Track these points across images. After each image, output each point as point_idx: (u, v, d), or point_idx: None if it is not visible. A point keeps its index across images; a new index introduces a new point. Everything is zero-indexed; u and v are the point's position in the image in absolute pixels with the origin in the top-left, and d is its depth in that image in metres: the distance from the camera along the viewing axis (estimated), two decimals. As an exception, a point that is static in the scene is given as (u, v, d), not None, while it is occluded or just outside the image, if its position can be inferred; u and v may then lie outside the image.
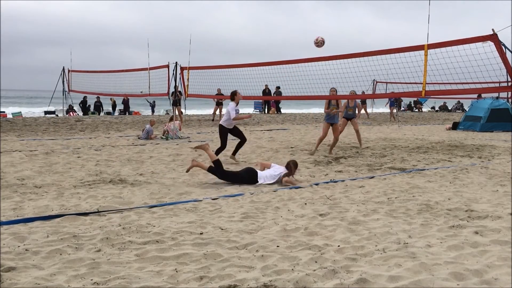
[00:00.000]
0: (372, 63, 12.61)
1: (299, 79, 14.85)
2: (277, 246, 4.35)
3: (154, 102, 34.72)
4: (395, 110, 26.83)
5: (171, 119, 15.43)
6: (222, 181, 7.62)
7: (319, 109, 43.53)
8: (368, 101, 30.70)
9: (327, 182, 7.56)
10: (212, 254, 4.14)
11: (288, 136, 15.75)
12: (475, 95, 23.93)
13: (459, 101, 36.12)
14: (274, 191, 6.88)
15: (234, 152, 9.96)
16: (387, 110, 29.51)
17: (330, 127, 11.43)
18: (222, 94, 21.14)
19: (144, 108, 39.03)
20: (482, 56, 10.36)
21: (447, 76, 11.53)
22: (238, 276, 3.65)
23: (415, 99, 35.47)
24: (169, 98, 20.63)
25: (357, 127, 12.95)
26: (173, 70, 18.86)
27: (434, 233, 4.74)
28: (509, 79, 11.61)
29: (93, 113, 28.84)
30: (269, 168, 7.72)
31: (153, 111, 35.40)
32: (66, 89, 27.68)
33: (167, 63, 20.19)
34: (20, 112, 29.80)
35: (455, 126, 19.31)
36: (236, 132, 10.04)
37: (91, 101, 30.12)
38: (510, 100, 22.36)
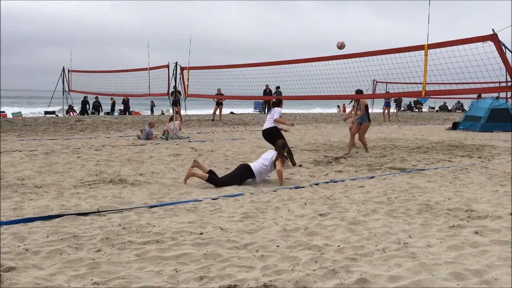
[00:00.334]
0: (372, 63, 12.63)
1: (299, 79, 14.87)
2: (277, 246, 4.35)
3: (152, 102, 34.78)
4: (394, 110, 26.83)
5: (171, 119, 15.43)
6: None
7: (319, 109, 43.55)
8: (368, 102, 30.66)
9: (327, 182, 7.56)
10: (212, 254, 4.14)
11: (288, 136, 15.69)
12: (475, 95, 23.93)
13: (459, 101, 36.12)
14: (274, 191, 6.88)
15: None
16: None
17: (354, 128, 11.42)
18: (222, 94, 21.16)
19: (144, 108, 39.04)
20: (482, 56, 10.37)
21: (447, 76, 11.55)
22: (238, 276, 3.65)
23: (415, 99, 35.46)
24: (169, 98, 20.64)
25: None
26: (173, 70, 18.87)
27: (434, 233, 4.74)
28: (509, 79, 11.61)
29: (92, 113, 28.85)
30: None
31: (152, 111, 35.41)
32: (66, 89, 27.70)
33: (167, 63, 20.21)
34: (20, 112, 29.81)
35: (455, 126, 19.32)
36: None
37: (91, 101, 30.12)
38: (510, 100, 22.36)
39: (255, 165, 7.50)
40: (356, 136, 11.61)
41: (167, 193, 6.73)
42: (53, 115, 26.66)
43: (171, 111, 31.68)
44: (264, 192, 6.78)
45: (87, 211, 5.57)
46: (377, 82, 28.80)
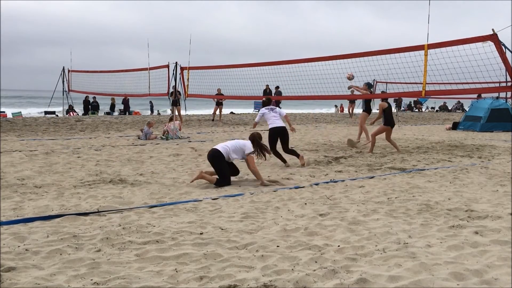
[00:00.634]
0: (372, 63, 12.64)
1: (299, 79, 14.88)
2: (277, 246, 4.35)
3: (151, 102, 34.79)
4: (394, 110, 26.81)
5: (171, 119, 15.43)
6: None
7: (319, 110, 43.54)
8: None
9: (327, 182, 7.56)
10: (212, 254, 4.14)
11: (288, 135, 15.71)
12: (475, 95, 23.93)
13: (459, 101, 36.10)
14: (274, 191, 6.88)
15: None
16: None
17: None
18: (222, 94, 21.16)
19: (144, 108, 39.04)
20: (482, 56, 10.38)
21: (447, 76, 11.56)
22: (238, 276, 3.65)
23: (415, 99, 35.45)
24: (168, 98, 20.65)
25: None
26: (173, 70, 18.88)
27: (434, 233, 4.74)
28: (509, 79, 11.61)
29: (92, 113, 28.86)
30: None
31: (152, 111, 35.40)
32: (66, 89, 27.70)
33: (167, 63, 20.22)
34: (20, 112, 29.80)
35: (455, 126, 19.31)
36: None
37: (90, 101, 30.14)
38: (510, 100, 22.36)
39: (222, 147, 7.41)
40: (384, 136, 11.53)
41: (167, 193, 6.73)
42: (53, 115, 26.66)
43: (168, 111, 31.78)
44: (264, 192, 6.78)
45: (87, 211, 5.57)
46: (377, 82, 28.80)
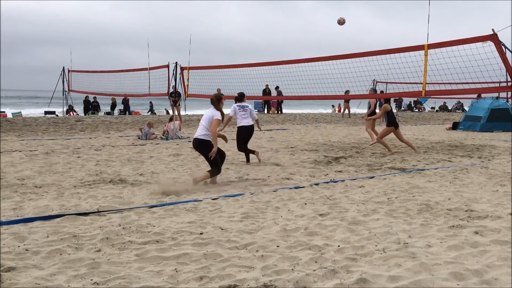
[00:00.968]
0: (372, 63, 12.65)
1: (299, 79, 14.87)
2: (277, 246, 4.35)
3: (151, 103, 34.76)
4: (394, 110, 26.80)
5: (171, 119, 15.43)
6: (221, 181, 7.63)
7: (319, 110, 43.50)
8: (367, 102, 30.65)
9: (327, 182, 7.56)
10: (212, 254, 4.14)
11: (288, 136, 15.75)
12: (475, 95, 23.92)
13: (459, 101, 36.09)
14: (274, 191, 6.88)
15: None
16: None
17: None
18: (222, 94, 21.14)
19: (144, 108, 39.01)
20: (482, 56, 10.38)
21: (447, 76, 11.56)
22: (238, 276, 3.65)
23: (415, 99, 35.45)
24: (168, 98, 20.66)
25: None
26: (173, 70, 18.88)
27: (434, 233, 4.74)
28: (509, 79, 11.62)
29: (93, 113, 28.86)
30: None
31: (152, 112, 35.36)
32: (66, 89, 27.71)
33: (167, 63, 20.22)
34: (20, 112, 29.79)
35: (455, 126, 19.31)
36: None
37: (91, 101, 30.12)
38: (510, 100, 22.36)
39: (202, 130, 7.41)
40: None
41: (167, 193, 6.73)
42: (53, 115, 26.67)
43: (164, 112, 31.76)
44: (264, 192, 6.78)
45: (87, 211, 5.57)
46: (377, 82, 28.80)
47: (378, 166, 9.17)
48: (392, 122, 11.12)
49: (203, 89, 20.06)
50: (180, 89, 20.02)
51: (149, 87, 22.12)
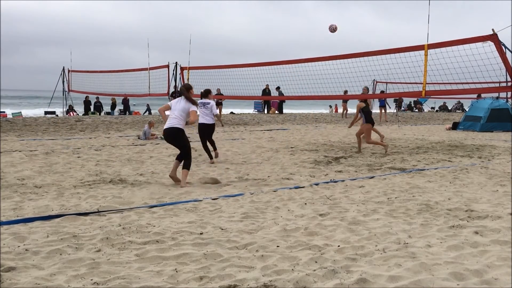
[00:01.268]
0: (372, 63, 12.66)
1: (299, 79, 14.88)
2: (277, 246, 4.35)
3: (148, 105, 34.73)
4: (394, 110, 26.81)
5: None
6: (222, 181, 7.63)
7: (321, 110, 43.49)
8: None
9: (327, 182, 7.56)
10: (212, 254, 4.14)
11: (288, 136, 15.75)
12: (475, 95, 23.92)
13: (459, 101, 36.09)
14: (274, 191, 6.88)
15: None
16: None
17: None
18: (222, 94, 21.16)
19: (143, 108, 39.01)
20: (482, 56, 10.39)
21: (447, 76, 11.57)
22: (238, 276, 3.65)
23: (415, 99, 35.44)
24: (168, 98, 20.65)
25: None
26: (173, 70, 18.89)
27: (434, 233, 4.74)
28: (509, 79, 11.62)
29: (93, 113, 28.86)
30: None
31: (150, 112, 35.34)
32: (66, 89, 27.71)
33: (167, 63, 20.23)
34: (20, 112, 29.80)
35: (455, 126, 19.31)
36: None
37: (92, 101, 30.09)
38: (510, 100, 22.36)
39: (177, 119, 7.43)
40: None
41: (167, 193, 6.73)
42: (53, 115, 26.68)
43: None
44: (264, 192, 6.78)
45: (87, 211, 5.57)
46: (377, 82, 28.80)
47: (378, 166, 9.18)
48: (369, 120, 11.17)
49: (203, 89, 20.04)
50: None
51: (149, 87, 22.13)
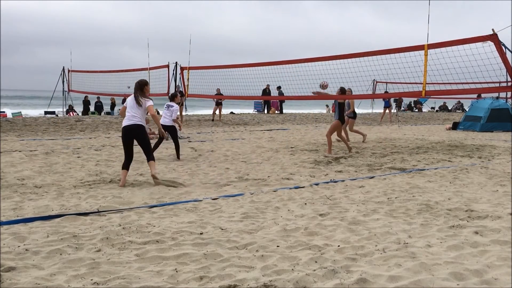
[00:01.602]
0: (372, 63, 12.63)
1: (299, 79, 14.86)
2: (277, 246, 4.35)
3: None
4: (394, 110, 26.80)
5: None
6: (222, 181, 7.63)
7: (319, 110, 43.49)
8: (368, 102, 30.68)
9: (327, 182, 7.56)
10: (212, 254, 4.14)
11: (288, 136, 15.75)
12: (475, 95, 23.92)
13: (459, 101, 36.09)
14: (274, 191, 6.89)
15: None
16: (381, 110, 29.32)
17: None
18: (222, 94, 21.16)
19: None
20: (482, 56, 10.37)
21: (447, 76, 11.54)
22: (238, 276, 3.65)
23: (415, 99, 35.44)
24: (168, 98, 20.62)
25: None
26: (173, 70, 18.87)
27: (434, 233, 4.74)
28: (509, 79, 11.62)
29: (93, 113, 28.85)
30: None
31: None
32: (66, 89, 27.70)
33: (167, 63, 20.22)
34: (20, 112, 29.79)
35: (455, 126, 19.32)
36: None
37: (92, 101, 30.09)
38: (510, 100, 22.36)
39: (137, 117, 7.40)
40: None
41: (167, 193, 6.73)
42: (53, 115, 26.67)
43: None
44: (264, 192, 6.78)
45: (87, 211, 5.58)
46: (377, 82, 28.81)
47: (378, 166, 9.18)
48: (341, 117, 11.32)
49: (203, 89, 20.04)
50: (181, 89, 20.02)
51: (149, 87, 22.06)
